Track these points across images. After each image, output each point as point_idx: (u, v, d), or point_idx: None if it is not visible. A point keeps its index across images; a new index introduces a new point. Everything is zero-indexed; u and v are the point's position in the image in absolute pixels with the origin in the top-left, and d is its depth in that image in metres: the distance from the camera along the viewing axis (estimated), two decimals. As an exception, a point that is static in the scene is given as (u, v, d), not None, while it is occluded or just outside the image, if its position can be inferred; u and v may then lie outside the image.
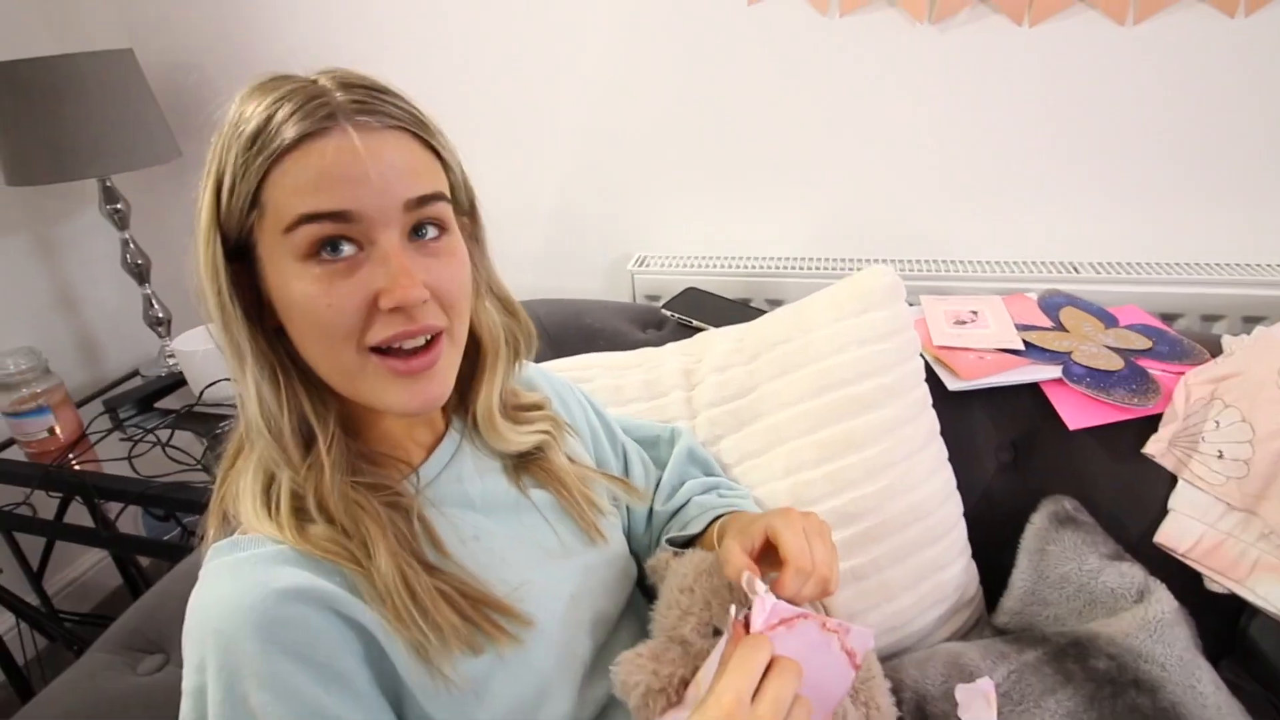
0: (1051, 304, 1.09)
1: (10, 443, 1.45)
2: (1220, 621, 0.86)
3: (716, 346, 0.95)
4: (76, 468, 1.37)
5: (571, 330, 1.16)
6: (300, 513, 0.53)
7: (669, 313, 1.19)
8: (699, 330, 1.10)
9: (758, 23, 1.24)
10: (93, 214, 1.68)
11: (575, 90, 1.39)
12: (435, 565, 0.55)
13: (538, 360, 0.82)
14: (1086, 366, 0.94)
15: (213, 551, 0.54)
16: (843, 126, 1.29)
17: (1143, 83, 1.16)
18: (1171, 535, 0.86)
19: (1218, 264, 1.22)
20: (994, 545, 0.91)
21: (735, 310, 1.21)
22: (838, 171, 1.33)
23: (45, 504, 1.47)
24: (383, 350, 0.51)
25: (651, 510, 0.79)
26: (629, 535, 0.77)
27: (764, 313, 0.98)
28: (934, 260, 1.31)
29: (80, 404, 1.53)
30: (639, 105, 1.37)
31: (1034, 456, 0.96)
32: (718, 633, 0.58)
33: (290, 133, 0.48)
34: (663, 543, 0.72)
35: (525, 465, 0.67)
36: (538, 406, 0.70)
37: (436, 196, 0.52)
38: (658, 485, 0.81)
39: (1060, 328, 1.03)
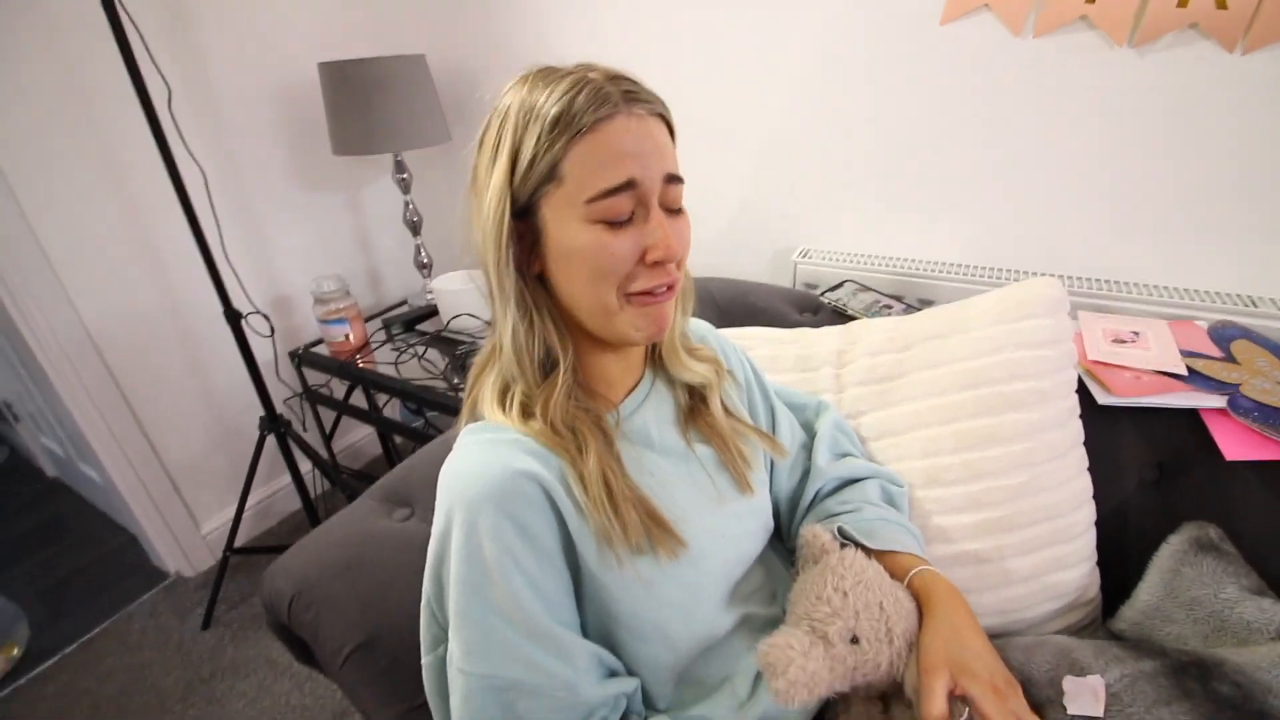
0: (1223, 335, 0.91)
1: (319, 341, 1.66)
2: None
3: (872, 333, 0.89)
4: (360, 365, 1.54)
5: (739, 306, 1.14)
6: (526, 413, 0.58)
7: (827, 300, 1.14)
8: (852, 319, 1.04)
9: (949, 41, 1.11)
10: (386, 181, 1.88)
11: (773, 100, 1.34)
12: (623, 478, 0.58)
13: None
14: (1256, 401, 0.79)
15: (468, 430, 0.60)
16: (1020, 143, 1.13)
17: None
18: (1323, 581, 0.71)
19: None
20: (1120, 555, 0.80)
21: (886, 305, 1.13)
22: (1007, 185, 1.17)
23: (339, 388, 1.70)
24: (635, 296, 0.55)
25: (813, 465, 0.76)
26: (775, 482, 0.76)
27: (914, 310, 0.91)
28: (1096, 279, 1.13)
29: (366, 320, 1.72)
30: (825, 115, 1.29)
31: (1181, 479, 0.82)
32: (855, 641, 0.57)
33: (588, 119, 0.50)
34: (834, 527, 0.69)
35: (693, 419, 0.67)
36: (706, 353, 0.71)
37: (679, 178, 0.55)
38: (813, 440, 0.78)
39: (1230, 359, 0.87)
